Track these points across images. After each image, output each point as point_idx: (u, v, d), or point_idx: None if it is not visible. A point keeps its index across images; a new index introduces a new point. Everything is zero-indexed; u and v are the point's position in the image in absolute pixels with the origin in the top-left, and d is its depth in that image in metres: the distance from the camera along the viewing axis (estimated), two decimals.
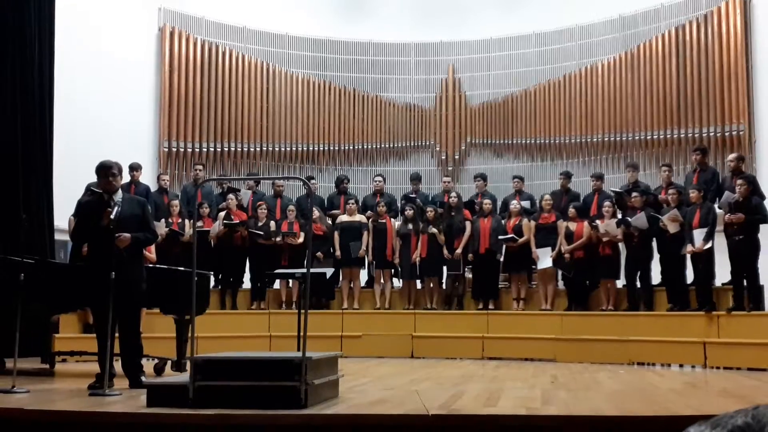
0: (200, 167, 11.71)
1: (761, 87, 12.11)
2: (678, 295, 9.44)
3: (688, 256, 9.30)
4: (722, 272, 9.16)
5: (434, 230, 10.63)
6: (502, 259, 10.64)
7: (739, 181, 8.96)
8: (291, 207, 11.00)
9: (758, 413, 1.20)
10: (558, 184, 11.42)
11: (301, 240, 10.58)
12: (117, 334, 5.99)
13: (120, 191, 6.07)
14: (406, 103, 14.83)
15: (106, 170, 5.97)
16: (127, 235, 5.79)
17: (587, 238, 10.08)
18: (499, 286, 10.83)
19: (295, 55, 14.59)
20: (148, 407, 4.62)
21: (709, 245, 8.98)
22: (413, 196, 11.53)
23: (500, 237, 10.41)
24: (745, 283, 8.87)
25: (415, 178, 12.09)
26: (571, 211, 10.31)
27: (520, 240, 10.33)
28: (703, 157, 10.05)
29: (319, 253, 10.52)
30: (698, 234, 9.06)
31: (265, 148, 14.15)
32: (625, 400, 5.61)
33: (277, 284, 11.01)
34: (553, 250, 10.22)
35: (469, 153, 14.66)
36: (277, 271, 9.60)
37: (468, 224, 10.71)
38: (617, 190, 10.75)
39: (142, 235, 5.97)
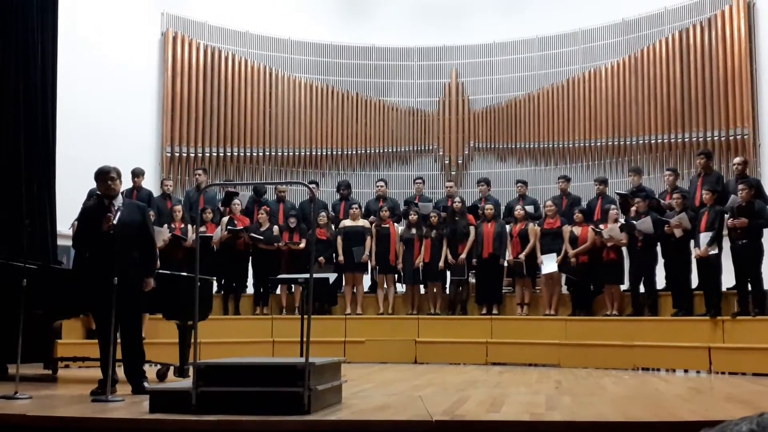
0: (201, 172, 11.66)
1: (765, 90, 12.09)
2: (682, 300, 9.40)
3: (694, 261, 9.26)
4: (727, 277, 9.12)
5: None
6: (506, 264, 10.63)
7: (741, 186, 8.92)
8: (293, 213, 10.98)
9: (763, 420, 1.19)
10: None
11: (303, 245, 10.55)
12: (119, 340, 5.99)
13: (120, 196, 6.06)
14: (409, 107, 14.82)
15: (104, 175, 5.96)
16: (151, 281, 5.99)
17: (591, 242, 10.05)
18: (503, 291, 10.81)
19: (297, 60, 14.59)
20: (151, 413, 4.60)
21: (714, 251, 8.93)
22: (415, 202, 11.50)
23: (504, 240, 10.41)
24: (749, 288, 8.83)
25: (418, 180, 12.07)
26: (578, 215, 10.28)
27: (522, 256, 10.31)
28: (708, 161, 10.01)
29: (321, 258, 10.50)
30: (704, 237, 9.02)
31: (267, 153, 14.14)
32: (630, 406, 5.58)
33: (278, 290, 10.99)
34: (558, 255, 10.19)
35: (472, 157, 14.65)
36: (280, 276, 9.58)
37: (471, 229, 10.69)
38: (622, 192, 10.73)
39: (151, 266, 6.10)
